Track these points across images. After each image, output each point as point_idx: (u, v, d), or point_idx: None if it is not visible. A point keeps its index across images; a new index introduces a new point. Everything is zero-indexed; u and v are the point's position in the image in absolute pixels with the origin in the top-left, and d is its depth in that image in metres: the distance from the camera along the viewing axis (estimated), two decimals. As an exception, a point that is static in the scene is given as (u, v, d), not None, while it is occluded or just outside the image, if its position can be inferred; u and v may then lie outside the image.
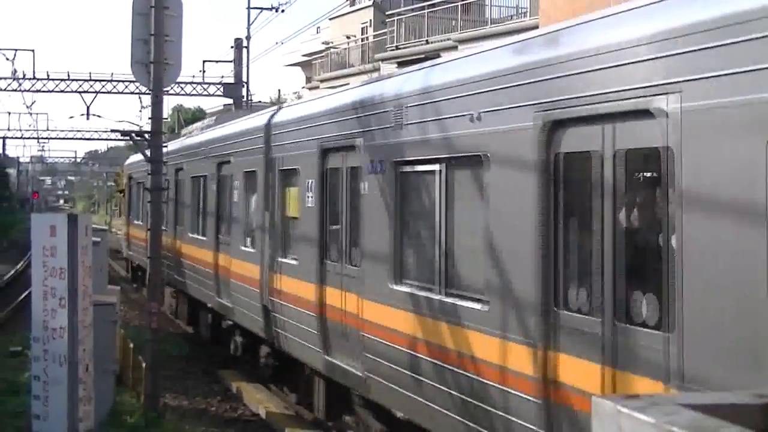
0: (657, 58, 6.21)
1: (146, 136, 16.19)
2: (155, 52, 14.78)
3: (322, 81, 55.21)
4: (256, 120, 17.03)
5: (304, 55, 67.43)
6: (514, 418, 7.65)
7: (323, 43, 59.65)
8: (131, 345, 16.91)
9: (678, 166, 5.91)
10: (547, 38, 7.80)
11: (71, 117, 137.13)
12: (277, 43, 72.11)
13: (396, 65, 42.98)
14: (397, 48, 43.85)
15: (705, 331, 5.67)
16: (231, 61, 46.02)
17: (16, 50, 47.65)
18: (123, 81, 48.47)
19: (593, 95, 6.83)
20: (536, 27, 29.86)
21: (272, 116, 15.80)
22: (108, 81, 49.07)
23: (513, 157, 7.83)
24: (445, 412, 8.85)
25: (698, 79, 5.83)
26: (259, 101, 59.22)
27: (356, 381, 11.40)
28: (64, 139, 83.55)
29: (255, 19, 46.93)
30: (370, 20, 53.16)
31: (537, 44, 7.93)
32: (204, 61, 48.31)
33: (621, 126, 6.57)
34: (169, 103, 79.37)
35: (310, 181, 13.16)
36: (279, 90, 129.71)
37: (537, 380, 7.31)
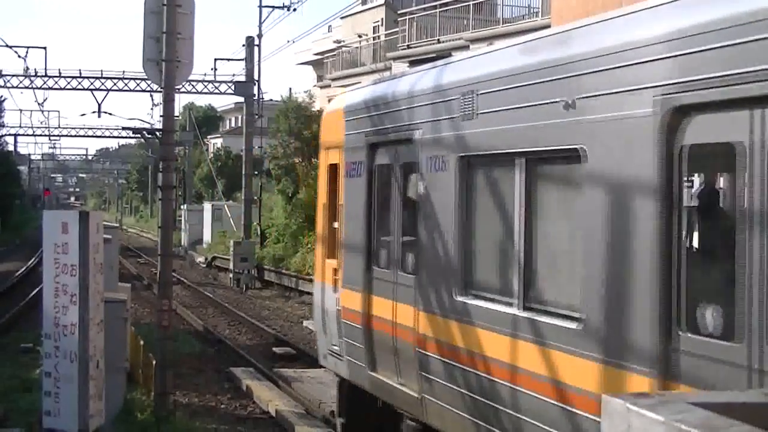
0: None
1: (158, 134, 16.23)
2: (167, 50, 14.80)
3: (333, 80, 55.22)
4: None
5: (315, 54, 67.44)
6: None
7: (335, 41, 59.65)
8: (141, 342, 16.96)
9: None
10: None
11: (83, 114, 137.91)
12: (288, 41, 72.08)
13: (408, 64, 42.98)
14: (408, 47, 43.83)
15: None
16: (242, 60, 46.06)
17: (28, 48, 47.79)
18: (134, 79, 48.56)
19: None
20: (548, 26, 29.82)
21: None
22: (119, 79, 49.16)
23: None
24: None
25: None
26: (270, 100, 59.24)
27: None
28: (75, 136, 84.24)
29: (267, 17, 46.95)
30: (382, 19, 53.15)
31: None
32: (215, 60, 48.39)
33: None
34: (180, 101, 79.53)
35: None
36: (290, 88, 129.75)
37: None
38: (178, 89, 21.74)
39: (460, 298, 9.00)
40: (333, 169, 12.80)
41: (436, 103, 9.67)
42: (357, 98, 12.28)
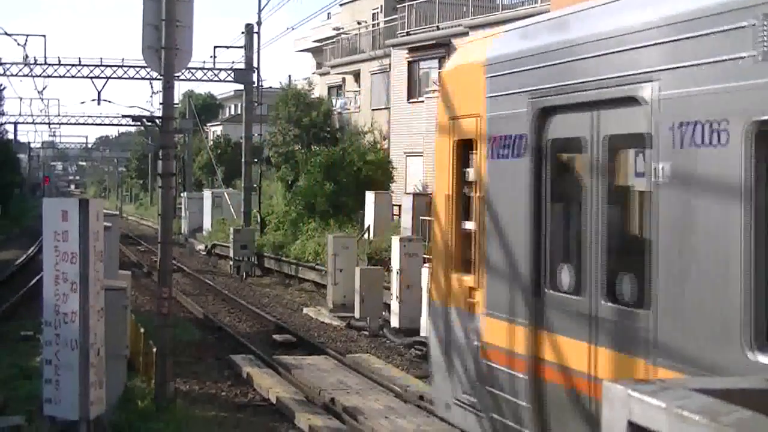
0: None
1: (157, 121, 16.21)
2: (166, 38, 14.77)
3: (333, 67, 55.15)
4: None
5: (315, 41, 67.39)
6: None
7: (334, 29, 59.58)
8: (142, 330, 16.97)
9: None
10: None
11: (82, 102, 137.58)
12: (288, 28, 72.21)
13: (407, 51, 42.89)
14: (407, 34, 43.75)
15: None
16: (242, 47, 45.97)
17: (27, 35, 47.76)
18: (134, 66, 48.51)
19: None
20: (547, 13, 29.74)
21: None
22: (119, 66, 49.11)
23: None
24: None
25: None
26: (270, 87, 59.17)
27: None
28: (75, 124, 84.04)
29: (266, 4, 46.99)
30: (381, 6, 53.04)
31: None
32: (215, 47, 48.29)
33: None
34: (180, 89, 79.44)
35: None
36: (290, 76, 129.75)
37: None
38: (178, 77, 21.71)
39: (759, 357, 5.51)
40: (464, 146, 9.33)
41: (694, 37, 6.24)
42: (512, 44, 8.65)
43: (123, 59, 49.46)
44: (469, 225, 9.18)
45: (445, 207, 9.65)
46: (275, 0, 53.70)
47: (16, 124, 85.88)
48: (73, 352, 10.72)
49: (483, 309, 8.68)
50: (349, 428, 13.88)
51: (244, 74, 45.45)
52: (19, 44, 46.98)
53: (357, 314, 23.70)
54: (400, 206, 33.86)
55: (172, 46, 14.79)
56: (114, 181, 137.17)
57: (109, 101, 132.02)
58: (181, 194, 58.24)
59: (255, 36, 44.74)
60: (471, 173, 9.18)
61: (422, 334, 20.88)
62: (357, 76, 51.95)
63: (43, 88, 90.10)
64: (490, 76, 8.68)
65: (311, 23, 60.81)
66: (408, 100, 42.85)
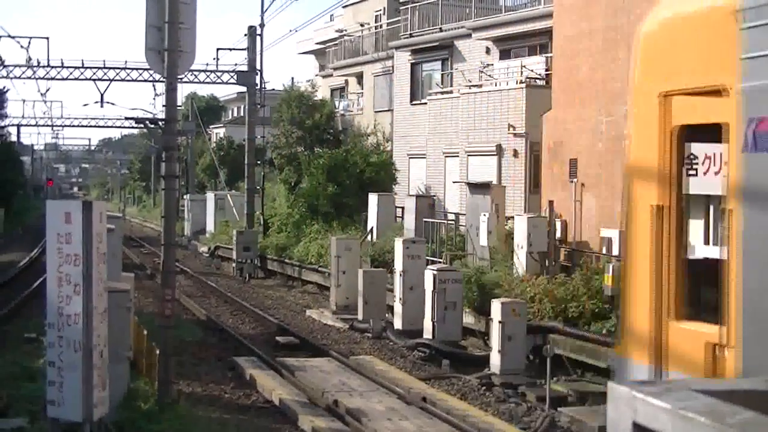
0: None
1: (160, 123, 16.22)
2: (169, 40, 14.79)
3: (335, 69, 55.16)
4: None
5: (317, 43, 67.35)
6: None
7: (337, 30, 59.55)
8: (145, 331, 16.98)
9: None
10: None
11: (85, 105, 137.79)
12: (290, 30, 72.26)
13: (410, 53, 42.90)
14: (410, 36, 43.75)
15: None
16: (244, 49, 46.01)
17: (30, 38, 47.70)
18: (137, 69, 48.51)
19: None
20: (551, 15, 29.86)
21: None
22: (122, 69, 49.12)
23: None
24: None
25: None
26: (273, 89, 59.18)
27: None
28: (78, 126, 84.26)
29: (269, 6, 47.09)
30: (384, 8, 53.04)
31: None
32: (218, 49, 48.30)
33: None
34: (182, 91, 79.49)
35: None
36: (292, 78, 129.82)
37: None
38: (180, 79, 21.73)
39: None
40: (690, 134, 6.49)
41: None
42: None
43: (126, 61, 49.53)
44: (705, 250, 6.46)
45: (653, 223, 6.69)
46: (278, 2, 54.42)
47: (19, 126, 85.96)
48: (76, 354, 10.73)
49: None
50: (353, 430, 13.89)
51: (247, 76, 45.48)
52: (22, 46, 46.99)
53: (360, 316, 23.71)
54: (403, 208, 33.85)
55: (175, 48, 14.80)
56: (117, 183, 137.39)
57: (112, 103, 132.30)
58: (184, 196, 58.32)
59: (258, 38, 44.77)
60: (707, 175, 6.37)
61: (425, 336, 20.91)
62: (360, 78, 51.94)
63: (46, 91, 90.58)
64: (754, 26, 5.74)
65: (314, 25, 60.98)
66: (411, 102, 42.84)
